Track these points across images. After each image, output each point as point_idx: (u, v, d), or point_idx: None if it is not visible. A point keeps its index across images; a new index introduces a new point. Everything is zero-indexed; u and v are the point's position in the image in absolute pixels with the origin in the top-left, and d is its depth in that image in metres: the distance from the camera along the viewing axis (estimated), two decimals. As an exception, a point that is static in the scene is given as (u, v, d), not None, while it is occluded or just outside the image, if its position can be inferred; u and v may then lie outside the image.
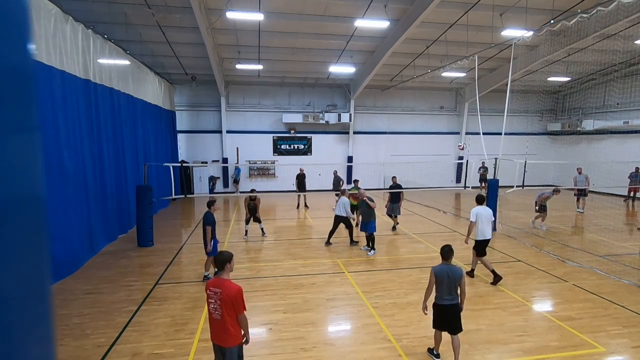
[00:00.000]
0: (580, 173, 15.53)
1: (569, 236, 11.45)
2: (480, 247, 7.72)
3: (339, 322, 6.17)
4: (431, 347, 5.22)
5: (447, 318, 4.89)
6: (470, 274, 7.95)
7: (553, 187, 12.63)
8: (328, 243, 10.45)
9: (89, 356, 5.08)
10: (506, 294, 7.16)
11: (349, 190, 12.41)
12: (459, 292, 4.87)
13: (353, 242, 10.39)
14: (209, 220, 7.48)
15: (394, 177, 12.40)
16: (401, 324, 5.55)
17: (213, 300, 3.79)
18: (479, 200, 7.83)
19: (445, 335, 4.96)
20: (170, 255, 9.56)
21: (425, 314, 5.06)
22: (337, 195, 15.20)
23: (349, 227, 10.36)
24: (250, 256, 9.74)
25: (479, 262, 7.90)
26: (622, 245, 10.56)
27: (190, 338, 5.54)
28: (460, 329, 4.91)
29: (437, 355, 5.06)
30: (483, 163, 20.33)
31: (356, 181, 13.19)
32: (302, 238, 11.52)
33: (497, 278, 7.48)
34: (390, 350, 5.21)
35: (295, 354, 5.15)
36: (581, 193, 15.54)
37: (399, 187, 12.24)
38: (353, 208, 12.19)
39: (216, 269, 3.93)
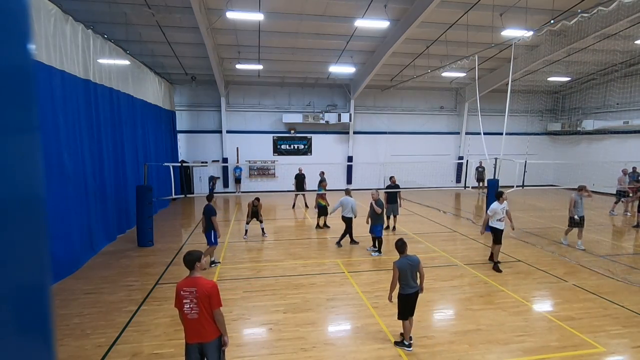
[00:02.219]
0: (625, 174, 14.99)
1: (569, 236, 11.42)
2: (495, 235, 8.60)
3: (339, 322, 6.17)
4: (399, 340, 5.35)
5: (412, 304, 5.25)
6: (496, 267, 8.52)
7: (578, 186, 10.27)
8: (354, 242, 10.51)
9: (89, 356, 5.08)
10: (506, 294, 7.16)
11: (317, 191, 12.74)
12: (418, 278, 5.30)
13: (338, 244, 10.38)
14: (214, 211, 8.42)
15: (392, 177, 12.41)
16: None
17: (188, 300, 3.77)
18: (497, 196, 8.66)
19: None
20: (170, 255, 9.56)
21: (391, 302, 5.38)
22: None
23: (348, 229, 10.31)
24: (251, 256, 9.74)
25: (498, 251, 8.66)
26: (622, 245, 10.56)
27: (190, 338, 5.53)
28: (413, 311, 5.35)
29: (410, 345, 5.22)
30: (481, 163, 20.34)
31: (323, 182, 13.28)
32: (302, 238, 11.52)
33: (496, 268, 8.48)
34: (390, 350, 5.21)
35: (295, 354, 5.15)
36: (622, 195, 14.99)
37: (397, 187, 12.26)
38: (323, 208, 12.42)
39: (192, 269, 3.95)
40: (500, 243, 8.57)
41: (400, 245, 5.30)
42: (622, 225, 13.45)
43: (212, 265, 8.72)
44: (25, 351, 1.04)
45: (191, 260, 3.89)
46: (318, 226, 12.59)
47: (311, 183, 17.09)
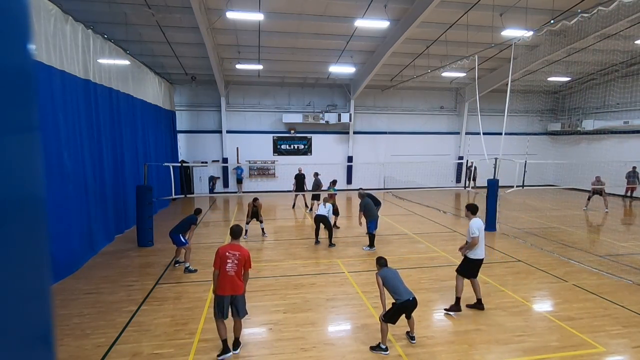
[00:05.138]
0: (598, 181, 15.65)
1: (569, 236, 11.44)
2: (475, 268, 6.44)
3: (339, 322, 6.17)
4: (374, 345, 5.22)
5: (409, 310, 5.20)
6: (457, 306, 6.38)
7: None
8: (317, 242, 10.62)
9: (89, 356, 5.08)
10: (506, 294, 7.15)
11: (327, 189, 12.77)
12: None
13: (331, 245, 10.33)
14: (196, 221, 8.72)
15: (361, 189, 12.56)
16: (401, 324, 5.53)
17: (231, 260, 4.95)
18: (475, 210, 6.46)
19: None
20: (170, 255, 9.54)
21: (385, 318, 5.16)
22: (313, 198, 15.21)
23: (329, 229, 10.37)
24: (251, 256, 9.72)
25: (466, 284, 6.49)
26: (622, 245, 10.56)
27: (190, 338, 5.53)
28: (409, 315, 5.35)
29: (386, 349, 5.14)
30: (472, 163, 20.40)
31: (334, 182, 13.29)
32: (302, 238, 11.52)
33: (456, 306, 6.35)
34: (390, 350, 5.20)
35: (295, 354, 5.15)
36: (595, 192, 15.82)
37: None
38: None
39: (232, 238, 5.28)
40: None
41: (385, 260, 5.48)
42: (621, 224, 13.45)
43: (177, 265, 8.76)
44: (25, 351, 1.04)
45: (239, 231, 5.31)
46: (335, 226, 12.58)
47: (311, 184, 17.09)
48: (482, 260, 6.35)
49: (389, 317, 5.11)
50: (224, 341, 5.05)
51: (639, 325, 5.92)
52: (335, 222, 12.55)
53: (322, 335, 5.72)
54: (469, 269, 6.35)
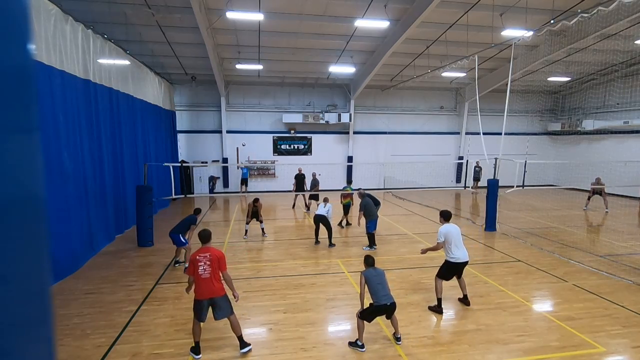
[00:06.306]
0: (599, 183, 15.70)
1: (569, 236, 11.44)
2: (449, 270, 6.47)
3: (339, 322, 6.16)
4: (352, 340, 5.30)
5: (387, 313, 5.19)
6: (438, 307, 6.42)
7: None
8: (317, 242, 10.63)
9: (89, 356, 5.08)
10: (506, 294, 7.16)
11: (342, 188, 12.88)
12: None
13: (331, 245, 10.30)
14: (196, 221, 8.76)
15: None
16: (401, 324, 5.54)
17: (203, 263, 4.85)
18: (447, 217, 6.58)
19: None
20: (170, 255, 9.54)
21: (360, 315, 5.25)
22: (311, 198, 15.27)
23: (329, 229, 10.33)
24: (251, 256, 9.74)
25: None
26: (622, 245, 10.56)
27: (190, 338, 5.52)
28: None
29: (362, 346, 5.19)
30: (477, 162, 20.42)
31: (350, 181, 13.40)
32: (302, 238, 11.52)
33: (438, 307, 6.41)
34: (390, 350, 5.21)
35: (295, 354, 5.15)
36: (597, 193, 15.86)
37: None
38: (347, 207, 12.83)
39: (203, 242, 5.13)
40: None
41: (373, 259, 5.45)
42: (620, 224, 13.43)
43: (177, 264, 8.81)
44: (25, 351, 1.04)
45: (208, 235, 5.15)
46: (340, 224, 12.70)
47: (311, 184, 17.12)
48: (462, 263, 6.40)
49: (365, 315, 5.19)
50: (197, 343, 5.05)
51: (639, 325, 5.92)
52: (347, 220, 12.81)
53: (322, 335, 5.72)
54: (447, 270, 6.49)
